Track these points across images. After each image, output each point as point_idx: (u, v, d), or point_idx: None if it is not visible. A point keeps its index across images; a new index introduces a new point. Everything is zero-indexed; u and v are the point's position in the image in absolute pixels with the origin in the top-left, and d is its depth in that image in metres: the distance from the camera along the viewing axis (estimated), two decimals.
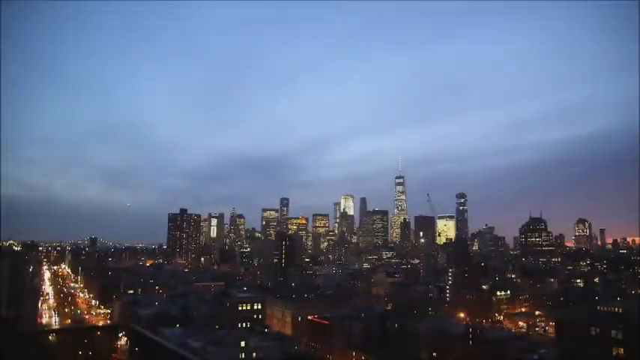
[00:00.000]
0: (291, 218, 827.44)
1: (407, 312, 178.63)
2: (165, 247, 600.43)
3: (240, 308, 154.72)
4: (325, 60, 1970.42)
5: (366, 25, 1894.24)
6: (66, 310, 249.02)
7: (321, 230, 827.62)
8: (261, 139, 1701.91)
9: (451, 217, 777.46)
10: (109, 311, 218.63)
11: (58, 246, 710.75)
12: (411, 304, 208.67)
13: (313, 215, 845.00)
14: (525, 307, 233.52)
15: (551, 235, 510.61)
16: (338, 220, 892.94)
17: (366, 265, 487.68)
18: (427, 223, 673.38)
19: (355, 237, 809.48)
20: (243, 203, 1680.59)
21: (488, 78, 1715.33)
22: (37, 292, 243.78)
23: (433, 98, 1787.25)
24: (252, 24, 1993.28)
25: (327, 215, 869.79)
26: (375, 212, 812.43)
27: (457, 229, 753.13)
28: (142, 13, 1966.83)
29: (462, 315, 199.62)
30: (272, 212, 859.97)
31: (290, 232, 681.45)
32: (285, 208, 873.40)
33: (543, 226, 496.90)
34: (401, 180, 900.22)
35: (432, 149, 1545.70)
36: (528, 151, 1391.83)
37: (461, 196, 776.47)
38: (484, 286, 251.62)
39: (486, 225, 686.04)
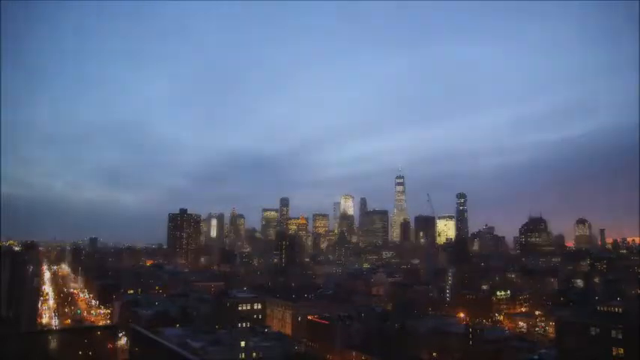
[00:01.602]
0: (291, 218, 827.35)
1: (407, 312, 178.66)
2: (165, 247, 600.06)
3: (240, 308, 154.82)
4: (326, 60, 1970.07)
5: (367, 25, 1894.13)
6: (66, 310, 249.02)
7: (321, 230, 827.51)
8: (262, 139, 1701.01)
9: (451, 217, 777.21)
10: (109, 311, 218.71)
11: (58, 246, 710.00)
12: (411, 304, 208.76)
13: (313, 215, 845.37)
14: (525, 307, 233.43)
15: (551, 235, 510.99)
16: (338, 220, 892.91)
17: (366, 265, 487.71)
18: (427, 223, 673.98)
19: (355, 237, 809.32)
20: (243, 203, 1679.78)
21: (489, 78, 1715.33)
22: (37, 292, 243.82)
23: (434, 98, 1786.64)
24: (253, 23, 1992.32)
25: (327, 215, 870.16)
26: (375, 212, 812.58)
27: (457, 229, 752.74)
28: (142, 14, 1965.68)
29: (461, 315, 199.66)
30: (272, 212, 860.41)
31: (290, 232, 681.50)
32: (285, 208, 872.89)
33: (543, 226, 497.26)
34: (401, 180, 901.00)
35: (432, 149, 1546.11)
36: (528, 151, 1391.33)
37: (461, 196, 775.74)
38: (484, 286, 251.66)
39: (486, 225, 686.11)
